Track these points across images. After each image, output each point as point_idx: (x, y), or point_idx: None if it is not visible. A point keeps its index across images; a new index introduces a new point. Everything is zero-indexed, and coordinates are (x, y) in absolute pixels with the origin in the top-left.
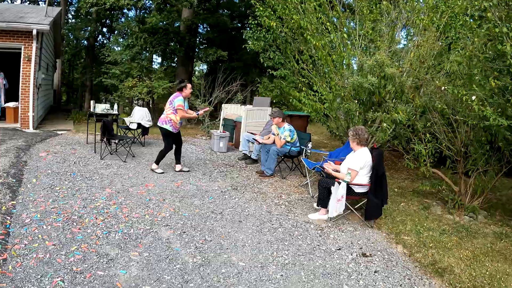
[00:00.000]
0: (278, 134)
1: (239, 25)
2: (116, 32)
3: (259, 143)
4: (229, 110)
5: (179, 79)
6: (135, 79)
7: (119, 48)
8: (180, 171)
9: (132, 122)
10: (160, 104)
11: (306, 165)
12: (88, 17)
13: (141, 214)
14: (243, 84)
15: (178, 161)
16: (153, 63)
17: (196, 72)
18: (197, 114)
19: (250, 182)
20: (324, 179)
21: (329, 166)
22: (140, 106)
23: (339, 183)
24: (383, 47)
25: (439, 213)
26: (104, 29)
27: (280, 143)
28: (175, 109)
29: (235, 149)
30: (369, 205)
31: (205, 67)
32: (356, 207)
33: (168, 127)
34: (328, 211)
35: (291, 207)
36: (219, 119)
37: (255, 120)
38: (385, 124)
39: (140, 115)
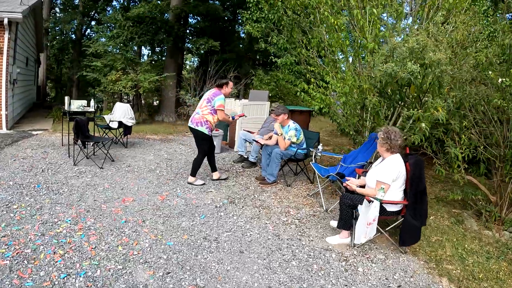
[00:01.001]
0: (281, 134)
1: (231, 17)
2: (103, 25)
3: (260, 144)
4: None
5: (167, 71)
6: (119, 72)
7: (103, 40)
8: (218, 179)
9: (112, 121)
10: (149, 99)
11: (317, 172)
12: (76, 10)
13: (113, 245)
14: (237, 77)
15: (214, 168)
16: (142, 56)
17: (188, 66)
18: (233, 119)
19: (250, 192)
20: (347, 194)
21: (352, 183)
22: (128, 102)
23: (370, 201)
24: (422, 31)
25: (475, 228)
26: (93, 23)
27: (284, 145)
28: (215, 109)
29: (229, 149)
30: (406, 228)
31: (196, 60)
32: (387, 229)
33: (204, 129)
34: (351, 234)
35: (303, 226)
36: None
37: (252, 116)
38: (423, 124)
39: (121, 112)
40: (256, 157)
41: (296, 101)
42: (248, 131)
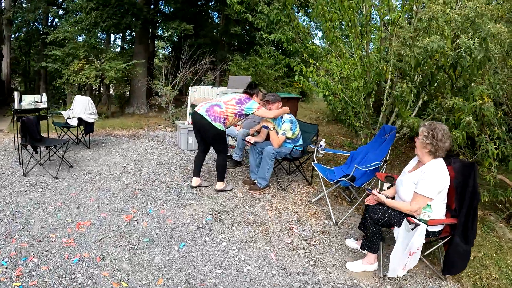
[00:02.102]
0: (274, 128)
1: (204, 1)
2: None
3: (251, 143)
4: (198, 94)
5: (137, 59)
6: (82, 61)
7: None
8: (198, 186)
9: (69, 118)
10: (119, 90)
11: (321, 175)
12: None
13: None
14: (213, 62)
15: (198, 171)
16: (113, 45)
17: (160, 55)
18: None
19: (238, 202)
20: (375, 208)
21: (377, 199)
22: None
23: (413, 224)
24: None
25: (509, 236)
26: (61, 12)
27: (278, 141)
28: (243, 113)
29: None
30: (454, 253)
31: (169, 48)
32: (426, 253)
33: (220, 125)
34: (376, 258)
35: (313, 250)
36: (186, 105)
37: None
38: (470, 118)
39: (81, 107)
40: (241, 154)
41: (276, 87)
42: None
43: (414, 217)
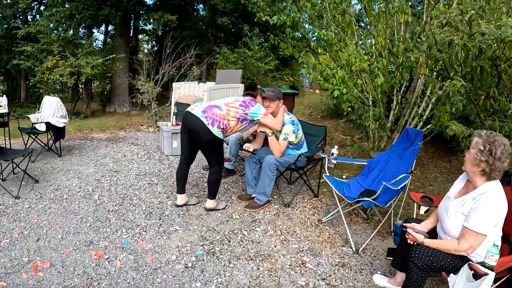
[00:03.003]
0: (272, 133)
1: None
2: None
3: (251, 153)
4: (183, 91)
5: (116, 54)
6: (57, 57)
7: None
8: (185, 204)
9: (35, 123)
10: (99, 88)
11: (335, 190)
12: None
13: None
14: (199, 56)
15: (182, 187)
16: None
17: (145, 50)
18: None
19: (235, 226)
20: (421, 252)
21: (414, 239)
22: (77, 91)
23: (476, 272)
24: None
25: None
26: (42, 8)
27: (280, 148)
28: (247, 119)
29: None
30: None
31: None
32: None
33: (218, 132)
34: None
35: None
36: (170, 103)
37: None
38: None
39: (50, 109)
40: (234, 161)
41: (266, 81)
42: None
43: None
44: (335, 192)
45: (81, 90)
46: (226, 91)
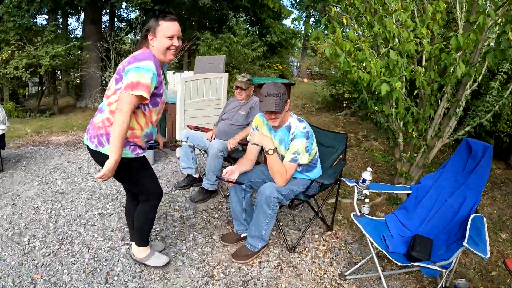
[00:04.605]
0: (273, 151)
1: None
2: None
3: (237, 182)
4: None
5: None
6: (13, 48)
7: None
8: (142, 262)
9: None
10: (74, 82)
11: (374, 244)
12: None
13: None
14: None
15: (136, 240)
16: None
17: (128, 40)
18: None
19: None
20: None
21: None
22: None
23: None
24: None
25: None
26: None
27: (285, 175)
28: (127, 91)
29: (169, 155)
30: None
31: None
32: None
33: (106, 149)
34: None
35: None
36: None
37: (201, 98)
38: None
39: None
40: (216, 180)
41: (253, 69)
42: (197, 128)
43: None
44: (373, 243)
45: (45, 83)
46: (206, 82)
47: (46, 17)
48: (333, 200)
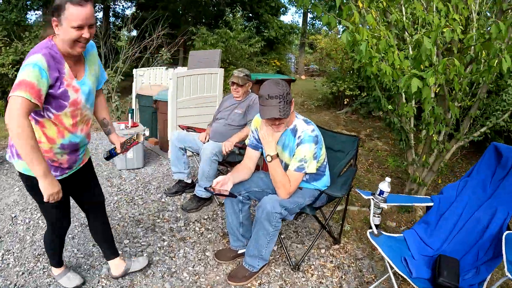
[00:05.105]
0: (275, 157)
1: None
2: None
3: (230, 195)
4: (147, 79)
5: None
6: (0, 43)
7: None
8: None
9: None
10: None
11: (394, 268)
12: None
13: None
14: (173, 36)
15: (108, 254)
16: None
17: (123, 36)
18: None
19: None
20: None
21: None
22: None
23: None
24: None
25: None
26: None
27: (289, 187)
28: (12, 93)
29: (161, 156)
30: None
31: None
32: None
33: (20, 163)
34: None
35: None
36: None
37: (195, 95)
38: None
39: None
40: (210, 186)
41: (250, 65)
42: (189, 129)
43: None
44: (393, 267)
45: None
46: (200, 78)
47: (39, 12)
48: (340, 208)
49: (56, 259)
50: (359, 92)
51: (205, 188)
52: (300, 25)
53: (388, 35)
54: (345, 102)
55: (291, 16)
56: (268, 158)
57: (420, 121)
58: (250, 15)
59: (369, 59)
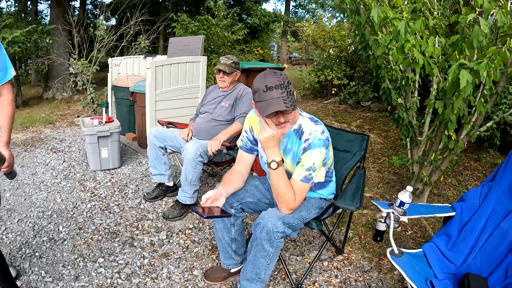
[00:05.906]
0: (279, 164)
1: None
2: None
3: (223, 215)
4: (123, 69)
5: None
6: None
7: None
8: None
9: None
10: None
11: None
12: None
13: None
14: (151, 22)
15: None
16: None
17: (104, 26)
18: None
19: None
20: None
21: None
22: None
23: None
24: None
25: None
26: None
27: (292, 198)
28: None
29: (141, 154)
30: None
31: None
32: None
33: None
34: None
35: None
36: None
37: (175, 86)
38: None
39: None
40: (198, 204)
41: (232, 54)
42: (169, 124)
43: None
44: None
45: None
46: (181, 66)
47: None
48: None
49: None
50: (347, 81)
51: (193, 210)
52: (283, 13)
53: (426, 14)
54: (333, 92)
55: (273, 4)
56: (273, 165)
57: (421, 116)
58: (232, 2)
59: (398, 45)
